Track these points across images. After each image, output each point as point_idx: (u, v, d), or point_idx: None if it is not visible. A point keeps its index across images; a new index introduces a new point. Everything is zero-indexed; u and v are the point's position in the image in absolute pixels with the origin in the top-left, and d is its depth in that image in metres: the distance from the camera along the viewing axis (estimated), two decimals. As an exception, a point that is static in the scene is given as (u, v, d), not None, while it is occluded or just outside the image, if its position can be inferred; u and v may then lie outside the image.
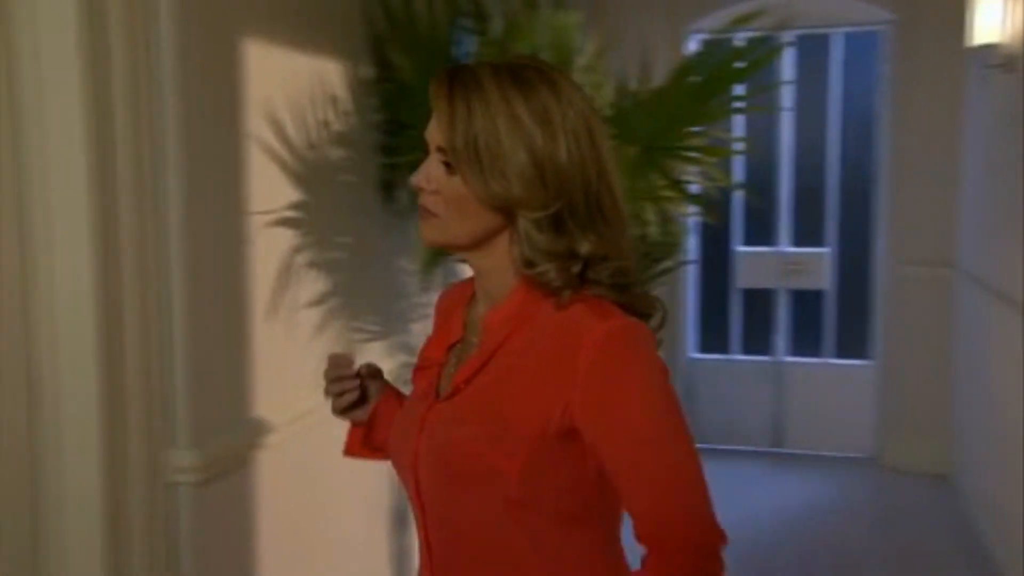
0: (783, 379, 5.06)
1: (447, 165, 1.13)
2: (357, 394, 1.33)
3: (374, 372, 1.38)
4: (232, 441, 1.99)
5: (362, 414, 1.36)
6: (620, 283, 1.15)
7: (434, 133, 1.15)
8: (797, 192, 5.00)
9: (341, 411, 1.36)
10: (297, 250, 2.23)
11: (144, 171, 1.71)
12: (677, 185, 2.41)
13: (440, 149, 1.14)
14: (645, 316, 1.16)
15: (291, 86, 2.18)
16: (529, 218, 1.12)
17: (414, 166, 1.19)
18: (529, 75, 1.13)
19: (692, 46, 4.73)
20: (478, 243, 1.17)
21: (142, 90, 1.70)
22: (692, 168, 2.49)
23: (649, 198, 2.42)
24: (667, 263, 2.85)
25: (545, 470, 1.12)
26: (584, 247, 1.13)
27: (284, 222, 2.18)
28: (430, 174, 1.15)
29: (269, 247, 2.12)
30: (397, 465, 1.27)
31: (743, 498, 4.27)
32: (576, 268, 1.13)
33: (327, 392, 1.35)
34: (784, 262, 5.01)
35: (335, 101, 2.38)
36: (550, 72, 1.15)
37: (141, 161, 1.70)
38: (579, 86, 1.17)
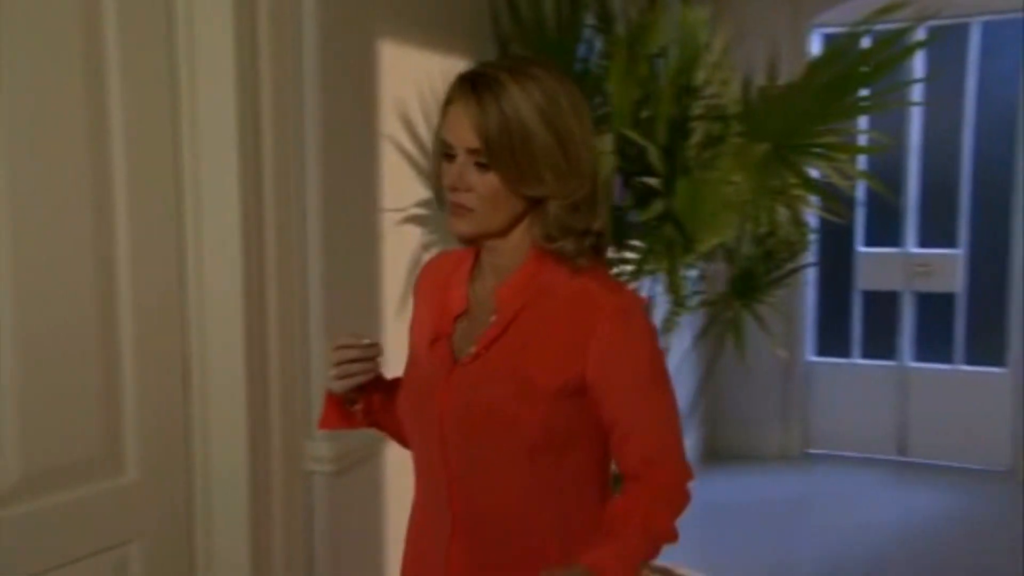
0: (908, 385, 4.85)
1: (479, 165, 1.23)
2: (373, 374, 1.37)
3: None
4: (363, 434, 2.04)
5: (358, 391, 1.39)
6: (604, 253, 1.34)
7: (463, 136, 1.24)
8: (925, 190, 4.79)
9: (348, 389, 1.37)
10: (426, 247, 2.27)
11: (288, 173, 1.78)
12: (811, 183, 2.34)
13: (472, 151, 1.23)
14: None
15: (423, 86, 2.23)
16: (556, 202, 1.25)
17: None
18: (534, 69, 1.25)
19: (816, 40, 4.59)
20: (507, 229, 1.29)
21: (288, 93, 1.76)
22: (822, 166, 2.41)
23: (778, 197, 2.36)
24: (792, 264, 2.78)
25: (561, 420, 1.29)
26: (596, 224, 1.28)
27: (414, 219, 2.23)
28: (463, 174, 1.25)
29: (400, 244, 2.17)
30: (415, 428, 1.36)
31: (864, 507, 4.13)
32: (590, 241, 1.29)
33: (343, 373, 1.35)
34: (911, 264, 4.81)
35: (463, 101, 2.41)
36: (550, 64, 1.29)
37: (287, 162, 1.76)
38: (570, 79, 1.29)
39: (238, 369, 1.74)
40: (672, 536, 1.31)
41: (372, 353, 1.34)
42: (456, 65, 2.38)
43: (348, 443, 1.96)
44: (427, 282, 1.43)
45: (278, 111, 1.75)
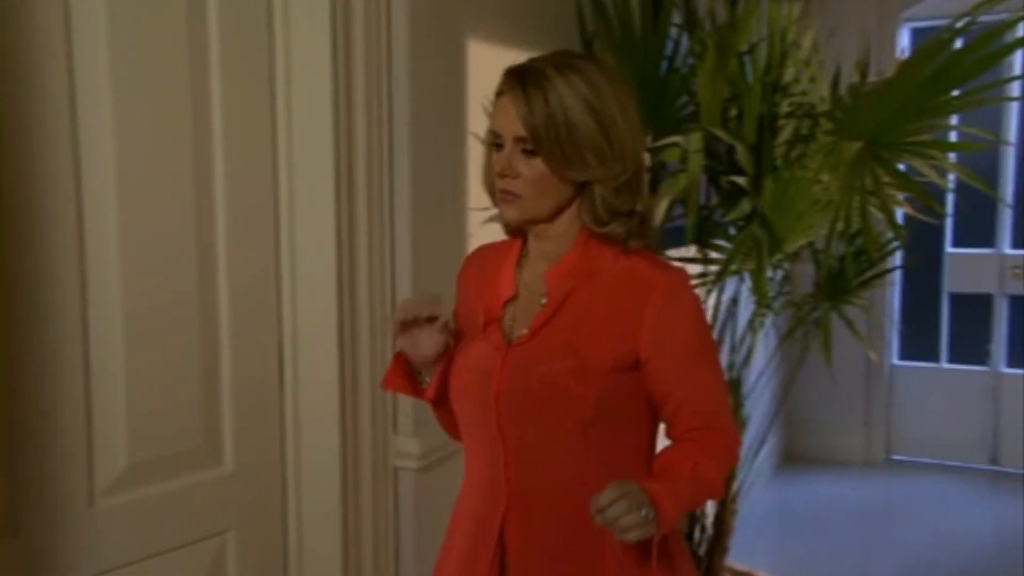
0: (1001, 392, 4.68)
1: (525, 152, 1.30)
2: (443, 343, 1.38)
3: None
4: (449, 430, 2.06)
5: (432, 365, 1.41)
6: (648, 233, 1.40)
7: (510, 126, 1.31)
8: (1021, 189, 4.61)
9: (422, 356, 1.39)
10: (510, 246, 2.28)
11: (379, 168, 1.81)
12: (909, 181, 2.28)
13: (519, 139, 1.30)
14: None
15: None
16: (606, 186, 1.31)
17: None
18: (579, 62, 1.32)
19: (905, 34, 4.46)
20: (555, 214, 1.35)
21: (378, 89, 1.79)
22: (917, 164, 2.34)
23: (869, 196, 2.30)
24: (883, 266, 2.71)
25: (614, 396, 1.34)
26: (640, 204, 1.35)
27: (498, 218, 2.24)
28: (511, 162, 1.31)
29: (485, 241, 2.18)
30: (469, 411, 1.39)
31: (953, 517, 4.00)
32: (636, 222, 1.35)
33: (405, 318, 1.36)
34: (1005, 265, 4.63)
35: (548, 100, 2.41)
36: (594, 57, 1.37)
37: (378, 158, 1.79)
38: (614, 70, 1.36)
39: (330, 365, 1.78)
40: (719, 490, 1.38)
41: (434, 308, 1.37)
42: (541, 64, 2.39)
43: (434, 441, 1.97)
44: (472, 272, 1.48)
45: (369, 108, 1.78)
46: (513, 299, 1.40)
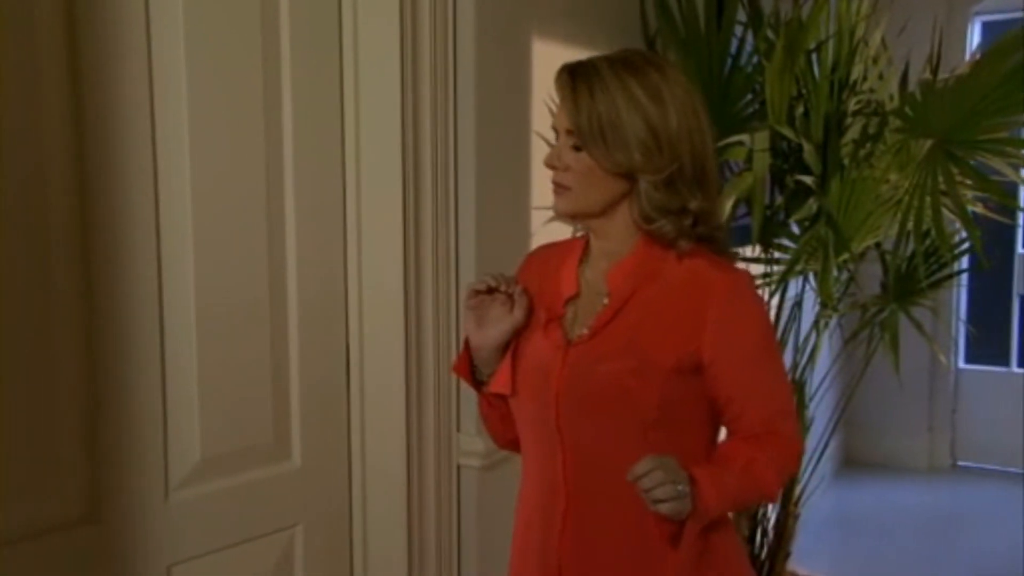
0: (1075, 397, 4.54)
1: (575, 146, 1.32)
2: (513, 322, 1.39)
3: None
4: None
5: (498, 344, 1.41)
6: (718, 236, 1.38)
7: (562, 119, 1.34)
8: (1096, 188, 4.46)
9: (493, 337, 1.40)
10: (573, 246, 2.28)
11: (444, 169, 1.82)
12: (987, 181, 2.22)
13: (568, 132, 1.32)
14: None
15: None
16: (648, 180, 1.31)
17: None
18: (638, 61, 1.33)
19: (976, 29, 4.35)
20: (605, 209, 1.35)
21: (447, 93, 1.80)
22: (995, 162, 2.28)
23: (940, 195, 2.25)
24: (954, 267, 2.65)
25: (675, 397, 1.34)
26: (693, 203, 1.33)
27: (562, 218, 2.24)
28: (561, 154, 1.34)
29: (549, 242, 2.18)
30: (528, 409, 1.39)
31: (1021, 526, 3.88)
32: (688, 222, 1.34)
33: (477, 303, 1.39)
34: (1079, 266, 4.49)
35: (610, 99, 2.41)
36: (656, 58, 1.38)
37: (444, 158, 1.80)
38: (679, 72, 1.37)
39: (396, 364, 1.80)
40: (773, 494, 1.38)
41: (510, 284, 1.39)
42: (604, 63, 2.39)
43: (497, 439, 1.99)
44: (533, 271, 1.48)
45: (435, 110, 1.80)
46: (575, 297, 1.41)
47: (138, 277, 1.49)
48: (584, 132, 1.31)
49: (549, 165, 1.36)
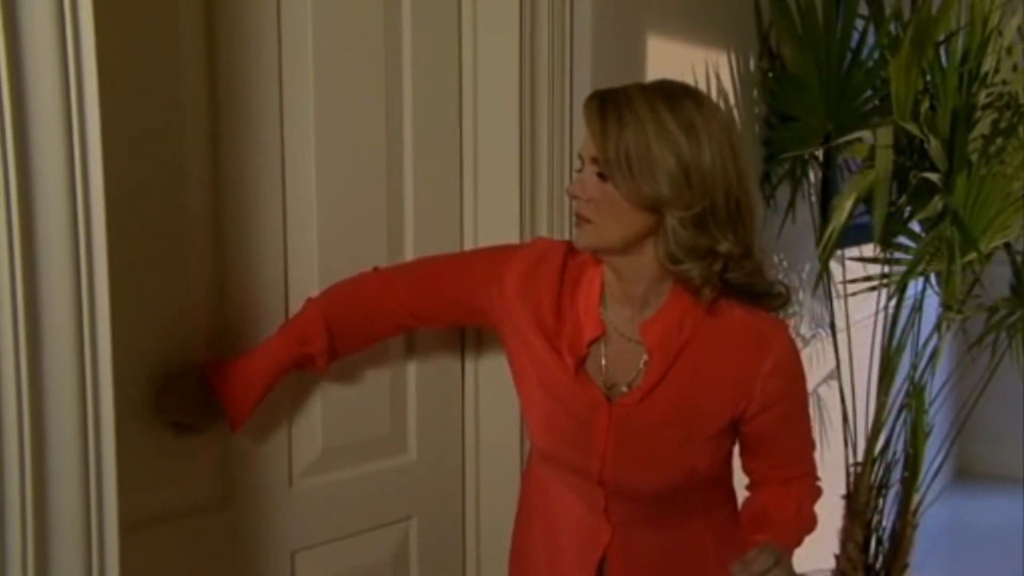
0: None
1: (600, 175, 1.26)
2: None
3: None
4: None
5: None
6: (755, 283, 1.32)
7: (588, 147, 1.28)
8: None
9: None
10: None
11: (562, 168, 1.81)
12: None
13: (594, 160, 1.27)
14: (771, 309, 1.38)
15: (684, 78, 2.20)
16: (675, 216, 1.24)
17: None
18: (675, 90, 1.28)
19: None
20: (628, 246, 1.29)
21: (563, 90, 1.80)
22: None
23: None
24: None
25: (723, 450, 1.40)
26: (723, 245, 1.26)
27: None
28: (585, 184, 1.28)
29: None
30: (564, 451, 1.40)
31: None
32: (717, 266, 1.28)
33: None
34: None
35: (725, 95, 2.37)
36: (694, 90, 1.31)
37: (562, 158, 1.80)
38: (717, 105, 1.32)
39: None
40: (815, 526, 1.46)
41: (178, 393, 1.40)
42: (719, 58, 2.35)
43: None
44: (541, 283, 1.39)
45: (552, 106, 1.79)
46: (599, 339, 1.37)
47: (267, 274, 1.53)
48: (610, 161, 1.24)
49: (572, 195, 1.31)
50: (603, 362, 1.37)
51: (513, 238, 1.75)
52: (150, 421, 1.41)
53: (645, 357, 1.34)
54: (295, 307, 1.55)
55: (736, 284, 1.32)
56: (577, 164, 1.34)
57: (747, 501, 1.50)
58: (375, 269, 1.58)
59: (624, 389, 1.36)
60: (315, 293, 1.56)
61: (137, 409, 1.38)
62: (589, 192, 1.28)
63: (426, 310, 1.53)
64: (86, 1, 1.00)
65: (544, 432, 1.42)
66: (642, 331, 1.34)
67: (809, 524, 1.44)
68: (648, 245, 1.29)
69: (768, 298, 1.35)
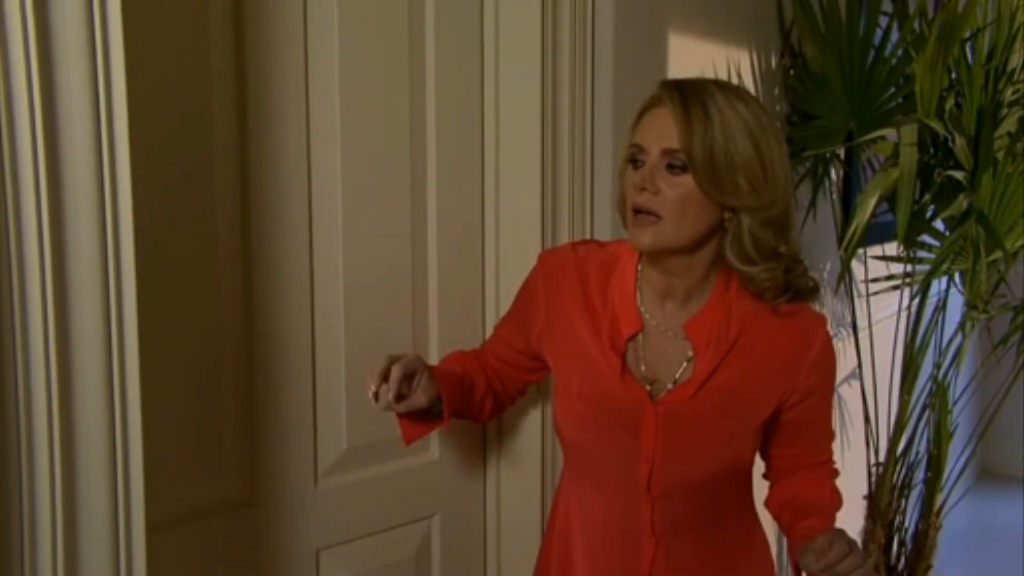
0: None
1: (671, 167, 1.20)
2: (425, 397, 1.37)
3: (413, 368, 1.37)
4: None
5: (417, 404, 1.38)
6: (807, 285, 1.32)
7: (661, 135, 1.22)
8: None
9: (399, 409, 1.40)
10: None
11: (583, 169, 1.81)
12: None
13: (667, 152, 1.21)
14: (807, 300, 1.37)
15: (706, 75, 2.19)
16: (752, 217, 1.22)
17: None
18: (739, 89, 1.26)
19: None
20: (694, 245, 1.24)
21: (584, 91, 1.80)
22: None
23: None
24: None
25: (759, 438, 1.41)
26: (784, 247, 1.26)
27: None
28: (653, 176, 1.21)
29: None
30: (605, 450, 1.37)
31: None
32: (781, 269, 1.27)
33: (391, 398, 1.35)
34: None
35: (747, 93, 2.36)
36: (746, 92, 1.29)
37: (584, 158, 1.80)
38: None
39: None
40: (842, 504, 1.48)
41: (408, 366, 1.34)
42: (740, 55, 2.33)
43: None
44: (569, 278, 1.38)
45: (574, 107, 1.79)
46: (637, 334, 1.34)
47: (293, 279, 1.53)
48: (695, 154, 1.19)
49: (640, 187, 1.22)
50: (641, 356, 1.34)
51: (534, 241, 1.75)
52: (180, 419, 1.42)
53: (690, 352, 1.32)
54: (320, 307, 1.56)
55: (793, 286, 1.32)
56: (633, 155, 1.26)
57: (776, 488, 1.50)
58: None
59: (669, 386, 1.33)
60: (339, 294, 1.57)
61: (163, 409, 1.40)
62: (656, 185, 1.21)
63: (509, 372, 1.57)
64: (115, 4, 1.01)
65: (582, 423, 1.38)
66: (688, 326, 1.31)
67: (840, 504, 1.48)
68: (710, 245, 1.26)
69: (807, 292, 1.36)
